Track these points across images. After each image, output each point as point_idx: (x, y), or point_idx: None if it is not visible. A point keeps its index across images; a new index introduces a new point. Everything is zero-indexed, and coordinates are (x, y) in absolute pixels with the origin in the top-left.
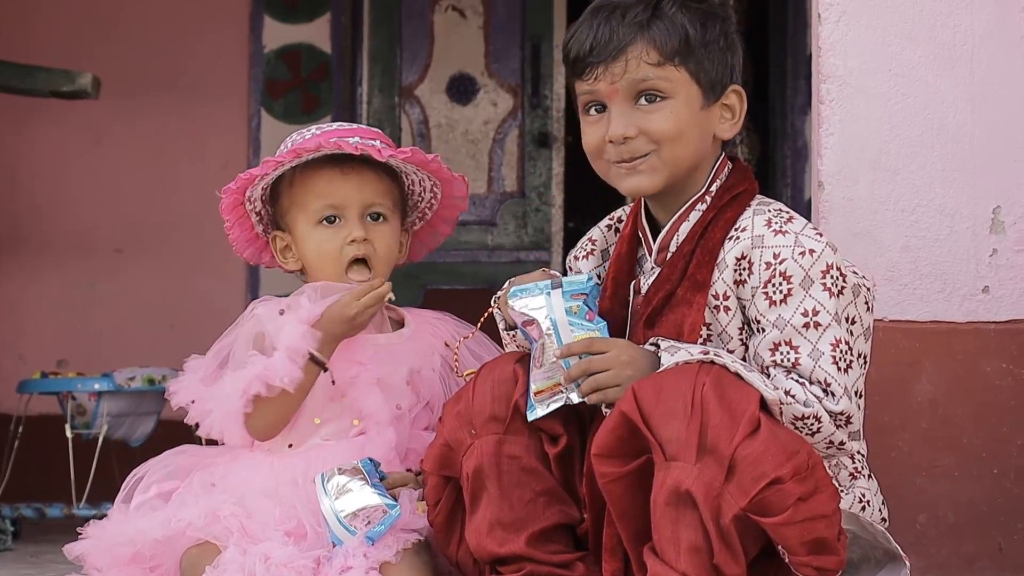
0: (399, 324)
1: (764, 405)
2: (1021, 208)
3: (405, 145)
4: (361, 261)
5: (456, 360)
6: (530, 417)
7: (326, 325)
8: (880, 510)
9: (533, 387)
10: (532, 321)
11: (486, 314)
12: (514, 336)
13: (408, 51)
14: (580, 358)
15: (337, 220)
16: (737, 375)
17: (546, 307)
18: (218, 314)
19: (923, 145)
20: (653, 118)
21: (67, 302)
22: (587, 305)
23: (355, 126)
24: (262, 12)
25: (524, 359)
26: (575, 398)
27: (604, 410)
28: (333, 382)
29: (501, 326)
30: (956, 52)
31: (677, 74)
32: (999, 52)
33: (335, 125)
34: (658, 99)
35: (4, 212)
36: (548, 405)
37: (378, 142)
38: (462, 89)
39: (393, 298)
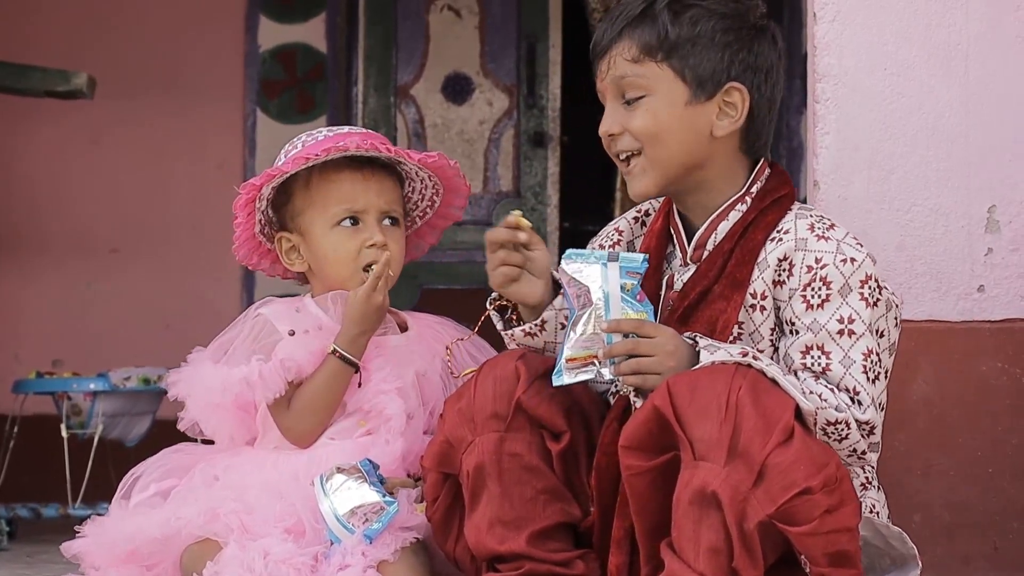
0: (401, 328)
1: (798, 414)
2: (1016, 207)
3: (400, 145)
4: None
5: (451, 360)
6: (555, 382)
7: (359, 322)
8: (887, 522)
9: (566, 353)
10: (582, 287)
11: (483, 316)
12: (512, 336)
13: (404, 51)
14: (626, 337)
15: (357, 224)
16: (774, 381)
17: (600, 278)
18: (214, 314)
19: (918, 144)
20: (633, 115)
21: (63, 302)
22: (639, 285)
23: (362, 130)
24: (258, 12)
25: (525, 357)
26: (607, 374)
27: (633, 400)
28: (360, 384)
29: (499, 327)
30: (951, 52)
31: (658, 71)
32: (994, 51)
33: (346, 129)
34: (638, 96)
35: (0, 211)
36: (576, 375)
37: (384, 144)
38: (458, 89)
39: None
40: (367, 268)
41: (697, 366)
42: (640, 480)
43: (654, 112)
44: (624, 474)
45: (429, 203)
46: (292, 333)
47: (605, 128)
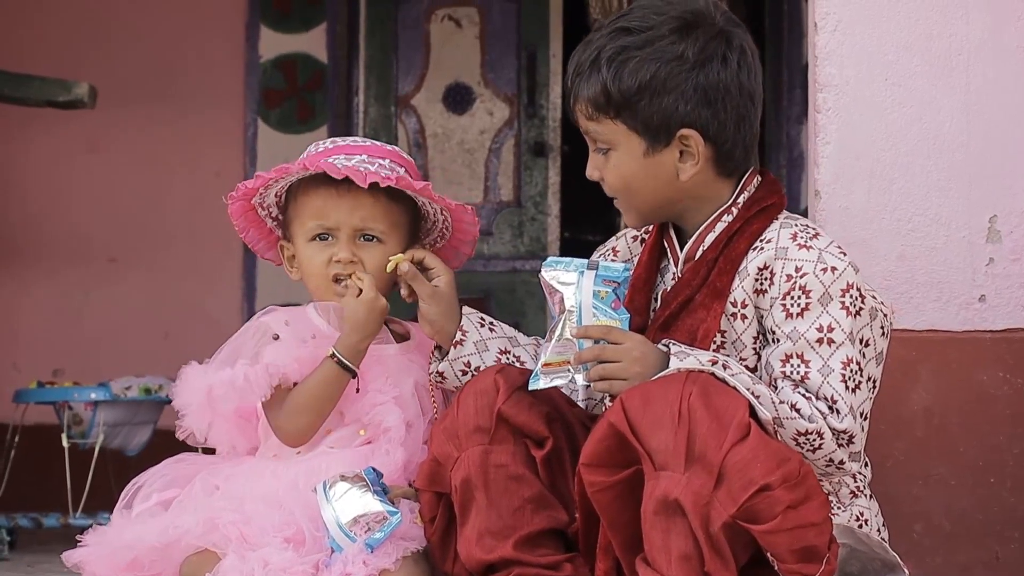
0: (403, 337)
1: (755, 412)
2: (1017, 217)
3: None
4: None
5: (434, 401)
6: (531, 386)
7: (362, 327)
8: (879, 530)
9: (543, 358)
10: (558, 294)
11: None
12: (431, 376)
13: (404, 61)
14: (596, 343)
15: (329, 238)
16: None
17: (575, 285)
18: (213, 323)
19: (919, 154)
20: (606, 167)
21: (62, 311)
22: (615, 294)
23: (368, 143)
24: (258, 21)
25: (504, 370)
26: (580, 380)
27: (608, 406)
28: (358, 390)
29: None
30: (952, 61)
31: (613, 126)
32: (994, 61)
33: (349, 140)
34: (606, 149)
35: None
36: (552, 379)
37: (387, 160)
38: (458, 98)
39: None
40: (336, 280)
41: (662, 373)
42: (606, 496)
43: (618, 166)
44: (588, 491)
45: (443, 215)
46: (277, 337)
47: (588, 172)
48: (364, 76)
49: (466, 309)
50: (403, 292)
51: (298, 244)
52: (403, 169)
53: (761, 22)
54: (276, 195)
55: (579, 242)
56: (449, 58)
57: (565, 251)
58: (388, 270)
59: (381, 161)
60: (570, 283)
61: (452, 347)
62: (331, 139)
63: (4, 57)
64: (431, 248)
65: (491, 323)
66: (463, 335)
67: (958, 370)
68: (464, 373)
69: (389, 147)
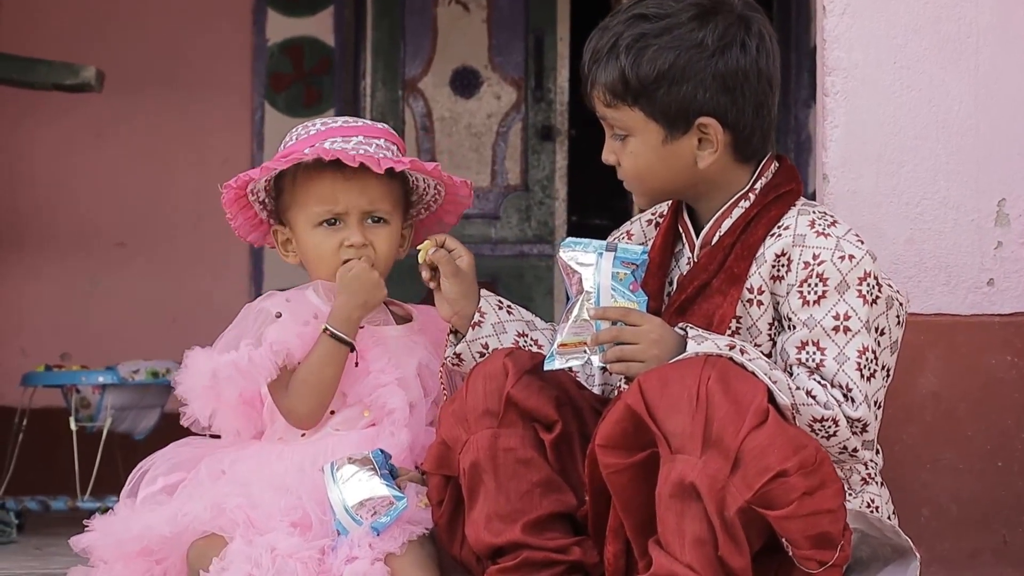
0: (405, 319)
1: (773, 397)
2: None
3: (408, 139)
4: None
5: (443, 385)
6: (546, 367)
7: (351, 298)
8: (890, 518)
9: (559, 339)
10: (576, 275)
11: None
12: (445, 361)
13: (411, 44)
14: (613, 324)
15: (337, 223)
16: (753, 375)
17: (594, 266)
18: (220, 308)
19: (928, 138)
20: (623, 152)
21: (69, 297)
22: (634, 276)
23: (360, 123)
24: (265, 5)
25: (513, 354)
26: (596, 361)
27: (624, 389)
28: (357, 364)
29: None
30: (961, 45)
31: (631, 113)
32: (1004, 45)
33: (340, 121)
34: (623, 135)
35: (5, 206)
36: (568, 360)
37: (382, 140)
38: (465, 82)
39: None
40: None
41: (679, 357)
42: (621, 478)
43: (636, 154)
44: (603, 472)
45: (436, 191)
46: (279, 315)
47: (604, 157)
48: (371, 60)
49: (484, 292)
50: (424, 275)
51: (301, 229)
52: (396, 147)
53: (769, 5)
54: (266, 180)
55: (587, 226)
56: (456, 42)
57: (572, 235)
58: (421, 259)
59: (377, 141)
60: (588, 264)
61: (470, 328)
62: (320, 120)
63: (11, 43)
64: (416, 220)
65: (509, 306)
66: (481, 316)
67: (966, 354)
68: (482, 355)
69: (379, 126)
